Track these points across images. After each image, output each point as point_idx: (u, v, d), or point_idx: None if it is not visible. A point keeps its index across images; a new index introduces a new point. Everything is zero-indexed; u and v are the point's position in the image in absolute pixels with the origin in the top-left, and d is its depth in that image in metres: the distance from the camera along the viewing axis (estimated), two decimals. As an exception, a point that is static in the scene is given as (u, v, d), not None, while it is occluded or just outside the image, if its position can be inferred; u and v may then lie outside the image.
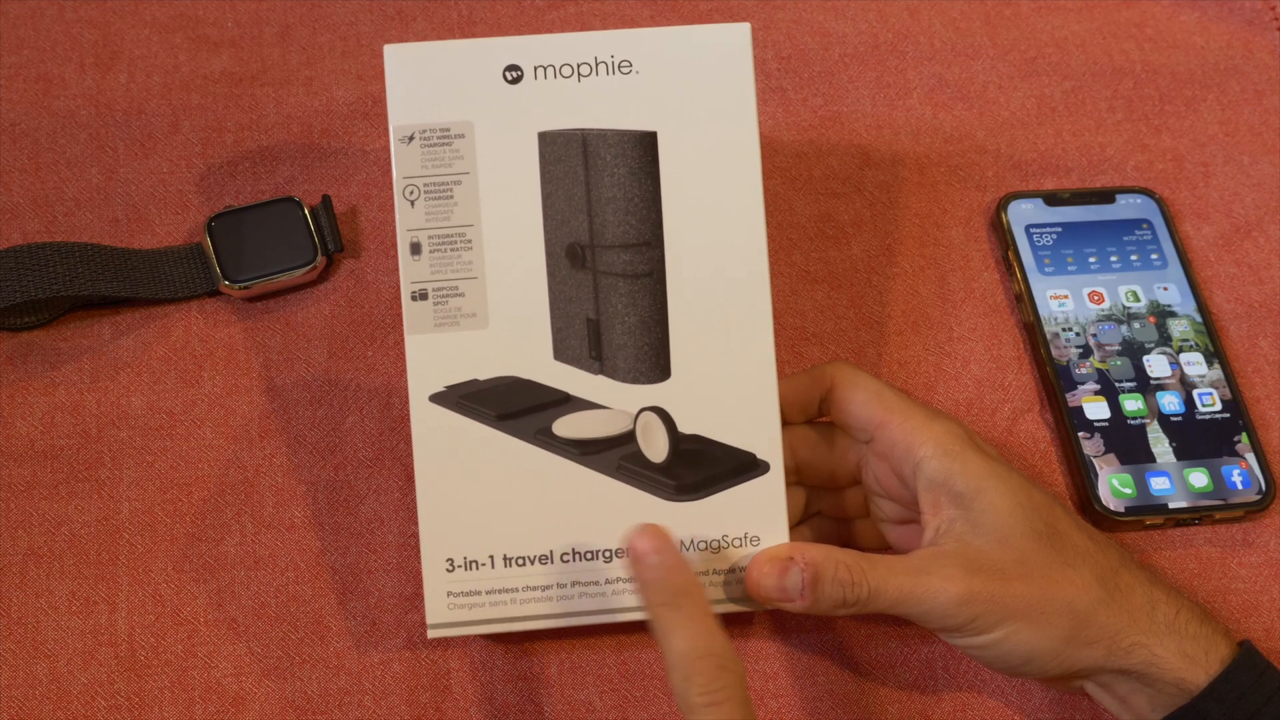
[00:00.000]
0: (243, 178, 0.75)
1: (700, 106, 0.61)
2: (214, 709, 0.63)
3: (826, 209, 0.77)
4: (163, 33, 0.80)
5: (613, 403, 0.61)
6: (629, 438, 0.61)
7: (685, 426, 0.61)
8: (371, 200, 0.75)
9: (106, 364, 0.70)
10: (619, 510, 0.61)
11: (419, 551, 0.63)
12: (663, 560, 0.57)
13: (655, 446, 0.61)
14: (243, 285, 0.71)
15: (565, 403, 0.61)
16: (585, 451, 0.61)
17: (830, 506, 0.66)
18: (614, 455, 0.61)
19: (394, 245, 0.74)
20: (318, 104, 0.78)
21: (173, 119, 0.77)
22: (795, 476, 0.64)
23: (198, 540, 0.66)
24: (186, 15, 0.80)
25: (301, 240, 0.72)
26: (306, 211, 0.73)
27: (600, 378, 0.61)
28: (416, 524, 0.66)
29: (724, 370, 0.61)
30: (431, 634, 0.61)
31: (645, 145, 0.60)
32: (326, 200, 0.73)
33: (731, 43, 0.61)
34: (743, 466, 0.61)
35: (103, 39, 0.79)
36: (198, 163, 0.76)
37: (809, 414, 0.65)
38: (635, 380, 0.61)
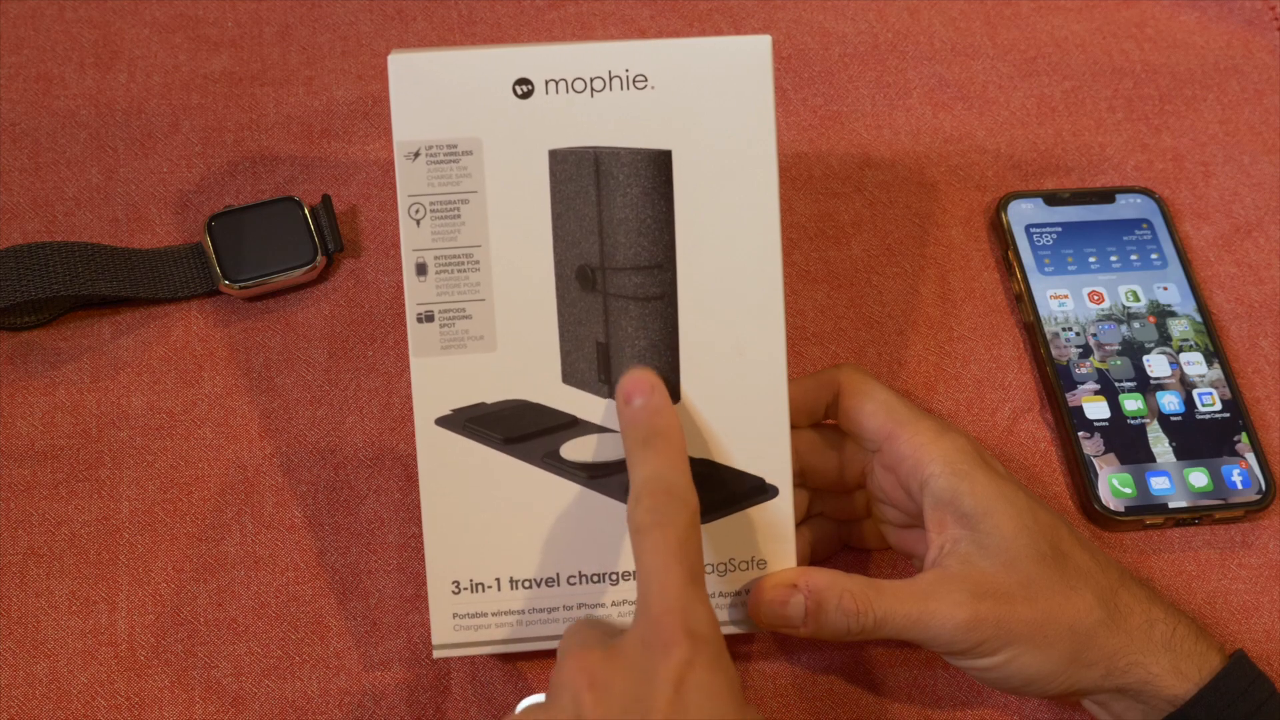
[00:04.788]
0: (243, 178, 0.75)
1: (717, 124, 0.59)
2: (214, 709, 0.63)
3: (826, 209, 0.77)
4: (163, 33, 0.80)
5: None
6: None
7: (695, 451, 0.60)
8: (371, 200, 0.75)
9: (106, 364, 0.70)
10: (626, 534, 0.60)
11: (419, 552, 0.64)
12: (646, 403, 0.57)
13: None
14: (243, 285, 0.71)
15: (573, 426, 0.61)
16: (593, 475, 0.60)
17: (833, 508, 0.66)
18: (622, 479, 0.60)
19: (394, 245, 0.74)
20: (318, 104, 0.78)
21: (173, 119, 0.77)
22: (799, 479, 0.64)
23: (198, 540, 0.66)
24: (186, 15, 0.80)
25: (301, 240, 0.72)
26: (306, 211, 0.73)
27: (609, 401, 0.60)
28: (416, 525, 0.66)
29: (735, 395, 0.60)
30: (437, 654, 0.61)
31: (659, 165, 0.59)
32: (326, 200, 0.73)
33: (751, 57, 0.59)
34: (752, 491, 0.61)
35: (103, 39, 0.79)
36: (198, 163, 0.76)
37: (815, 418, 0.64)
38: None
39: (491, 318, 0.60)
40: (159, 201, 0.75)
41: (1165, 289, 0.75)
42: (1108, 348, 0.73)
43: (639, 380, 0.58)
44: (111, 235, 0.73)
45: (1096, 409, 0.71)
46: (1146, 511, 0.68)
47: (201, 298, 0.72)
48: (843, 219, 0.77)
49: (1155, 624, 0.59)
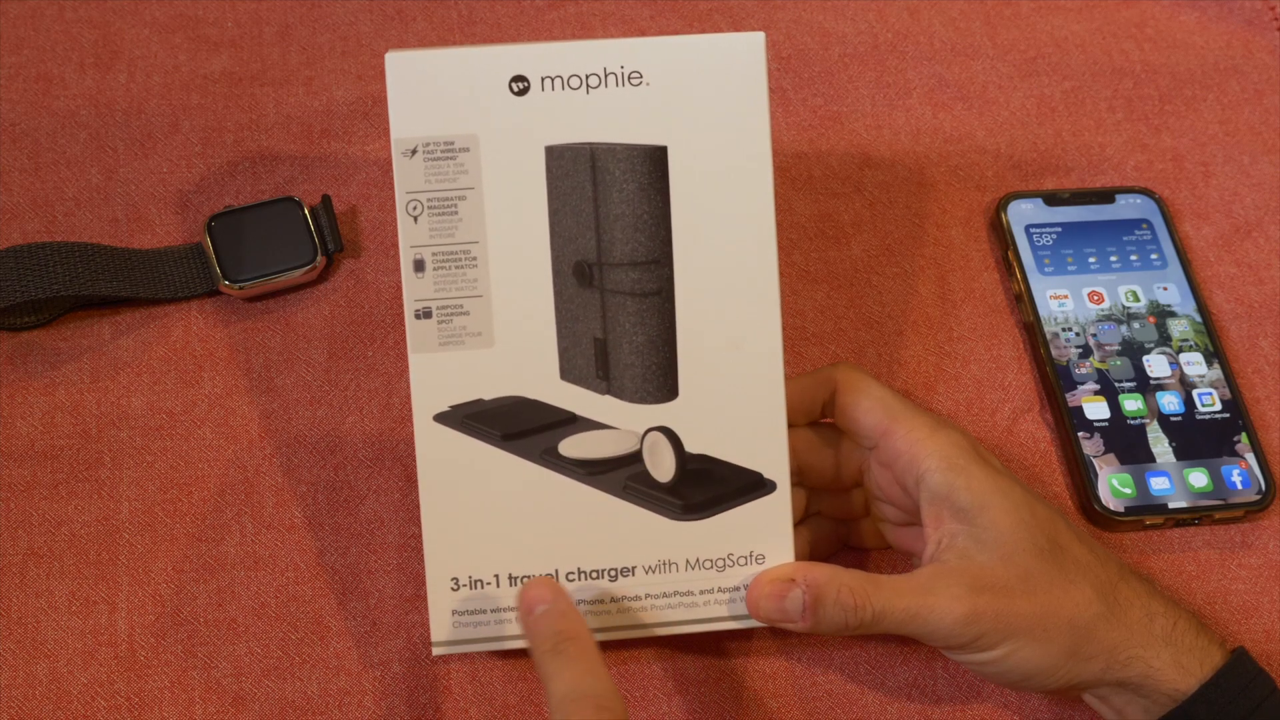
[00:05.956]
0: (243, 178, 0.75)
1: (712, 120, 0.59)
2: (214, 709, 0.63)
3: (826, 209, 0.77)
4: (163, 33, 0.80)
5: (619, 422, 0.61)
6: (635, 457, 0.61)
7: (692, 446, 0.61)
8: (371, 200, 0.75)
9: (106, 364, 0.70)
10: (625, 530, 0.61)
11: (419, 552, 0.63)
12: (550, 609, 0.57)
13: (662, 466, 0.61)
14: (243, 285, 0.71)
15: (571, 423, 0.61)
16: (591, 471, 0.60)
17: (831, 507, 0.66)
18: (620, 475, 0.61)
19: (394, 245, 0.74)
20: (318, 104, 0.78)
21: (173, 119, 0.77)
22: (797, 478, 0.64)
23: (198, 540, 0.66)
24: (186, 15, 0.80)
25: (301, 240, 0.72)
26: (306, 211, 0.73)
27: (607, 397, 0.61)
28: (416, 525, 0.66)
29: (732, 390, 0.60)
30: (436, 651, 0.61)
31: (655, 160, 0.59)
32: (326, 200, 0.73)
33: (745, 53, 0.59)
34: (749, 486, 0.61)
35: (103, 39, 0.79)
36: (198, 163, 0.76)
37: (812, 416, 0.64)
38: (642, 400, 0.61)
39: (489, 314, 0.60)
40: (159, 201, 0.75)
41: (1165, 289, 0.75)
42: (1107, 348, 0.73)
43: (539, 587, 0.58)
44: (111, 235, 0.73)
45: (1096, 409, 0.71)
46: (1146, 512, 0.68)
47: (201, 298, 0.72)
48: (842, 219, 0.77)
49: (1155, 618, 0.59)
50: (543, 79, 0.59)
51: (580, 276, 0.60)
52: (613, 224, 0.60)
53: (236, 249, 0.71)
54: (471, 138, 0.59)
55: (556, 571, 0.61)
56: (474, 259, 0.60)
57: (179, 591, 0.65)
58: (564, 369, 0.60)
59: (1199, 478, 0.69)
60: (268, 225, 0.72)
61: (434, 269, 0.59)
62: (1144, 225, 0.76)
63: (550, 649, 0.56)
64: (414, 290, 0.60)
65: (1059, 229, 0.76)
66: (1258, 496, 0.69)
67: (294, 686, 0.63)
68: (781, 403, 0.61)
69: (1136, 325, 0.73)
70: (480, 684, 0.64)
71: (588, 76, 0.59)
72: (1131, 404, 0.71)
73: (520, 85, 0.59)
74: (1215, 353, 0.73)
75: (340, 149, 0.76)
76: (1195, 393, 0.71)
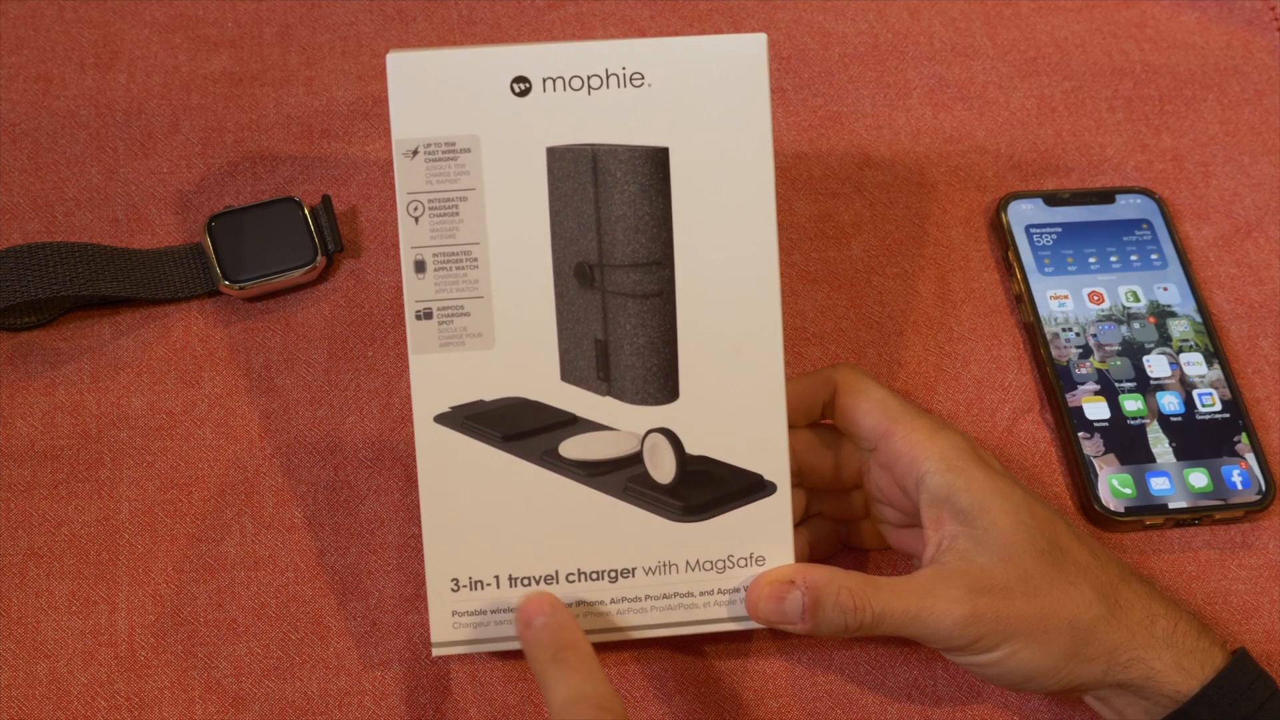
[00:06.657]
0: (243, 178, 0.75)
1: (714, 121, 0.59)
2: (214, 709, 0.63)
3: (826, 209, 0.77)
4: (163, 33, 0.80)
5: (620, 424, 0.61)
6: (636, 459, 0.61)
7: (693, 448, 0.61)
8: (371, 200, 0.75)
9: (106, 364, 0.70)
10: (625, 531, 0.61)
11: (419, 553, 0.63)
12: (549, 620, 0.58)
13: (662, 468, 0.61)
14: (243, 285, 0.71)
15: (572, 424, 0.61)
16: (592, 473, 0.60)
17: (831, 508, 0.66)
18: (621, 476, 0.61)
19: (394, 245, 0.74)
20: (318, 104, 0.78)
21: (173, 119, 0.77)
22: (797, 479, 0.64)
23: (198, 540, 0.66)
24: (186, 15, 0.80)
25: (301, 240, 0.72)
26: (306, 211, 0.73)
27: (608, 399, 0.61)
28: (416, 525, 0.66)
29: (733, 392, 0.60)
30: (436, 652, 0.61)
31: (656, 162, 0.59)
32: (326, 200, 0.73)
33: (747, 55, 0.59)
34: (750, 488, 0.61)
35: (103, 39, 0.79)
36: (198, 163, 0.76)
37: (812, 418, 0.64)
38: (643, 401, 0.61)
39: (490, 315, 0.60)
40: (159, 201, 0.75)
41: (1165, 289, 0.75)
42: (1108, 348, 0.73)
43: (537, 600, 0.59)
44: (111, 235, 0.73)
45: (1096, 409, 0.71)
46: (1146, 512, 0.68)
47: (201, 298, 0.72)
48: (843, 219, 0.77)
49: (1156, 620, 0.59)
50: (544, 80, 0.59)
51: (581, 278, 0.60)
52: (614, 225, 0.60)
53: (236, 249, 0.71)
54: (473, 138, 0.59)
55: (557, 573, 0.61)
56: (475, 260, 0.60)
57: (179, 591, 0.65)
58: (565, 370, 0.60)
59: (1199, 478, 0.69)
60: (268, 225, 0.72)
61: (435, 270, 0.59)
62: (1144, 225, 0.76)
63: (549, 658, 0.57)
64: (415, 291, 0.60)
65: (1059, 229, 0.76)
66: (1258, 497, 0.69)
67: (294, 686, 0.63)
68: (782, 404, 0.60)
69: (1136, 325, 0.73)
70: (480, 684, 0.64)
71: (589, 77, 0.59)
72: (1131, 404, 0.71)
73: (522, 86, 0.59)
74: (1215, 353, 0.73)
75: (340, 149, 0.76)
76: (1195, 393, 0.71)
